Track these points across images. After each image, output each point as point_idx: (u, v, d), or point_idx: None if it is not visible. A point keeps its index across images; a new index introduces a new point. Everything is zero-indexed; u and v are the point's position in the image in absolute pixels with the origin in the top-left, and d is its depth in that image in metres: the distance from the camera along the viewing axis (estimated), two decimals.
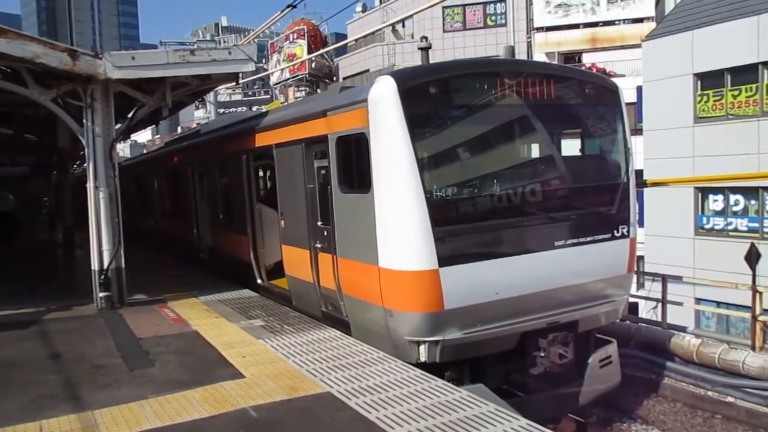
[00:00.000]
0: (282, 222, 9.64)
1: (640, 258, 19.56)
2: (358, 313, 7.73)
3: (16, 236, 20.99)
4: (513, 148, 8.14)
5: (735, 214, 19.19)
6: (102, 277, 9.50)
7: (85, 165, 10.19)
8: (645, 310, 14.37)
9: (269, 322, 8.49)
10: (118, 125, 10.08)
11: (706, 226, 19.76)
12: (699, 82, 19.67)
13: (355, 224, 7.54)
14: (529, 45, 33.39)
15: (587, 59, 30.84)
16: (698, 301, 16.23)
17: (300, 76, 42.42)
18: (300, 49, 42.02)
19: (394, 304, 6.92)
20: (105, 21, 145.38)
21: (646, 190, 19.49)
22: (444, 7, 35.22)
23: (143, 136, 60.46)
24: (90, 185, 9.52)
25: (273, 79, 46.53)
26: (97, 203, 9.48)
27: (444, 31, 36.04)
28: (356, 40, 35.33)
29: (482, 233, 7.06)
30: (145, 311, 9.43)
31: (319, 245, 8.45)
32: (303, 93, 41.69)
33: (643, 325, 10.78)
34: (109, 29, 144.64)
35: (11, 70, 9.18)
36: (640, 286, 16.33)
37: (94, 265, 9.57)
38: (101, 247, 9.52)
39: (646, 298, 12.64)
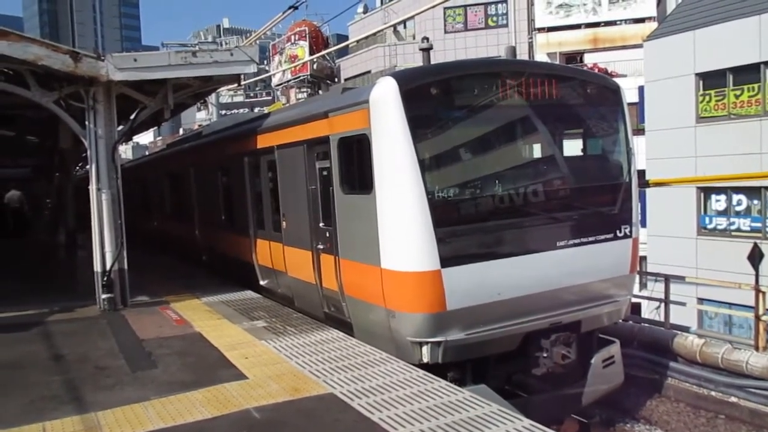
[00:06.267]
0: (284, 223, 9.64)
1: (643, 258, 19.54)
2: (361, 314, 7.72)
3: (24, 235, 21.17)
4: (515, 149, 8.13)
5: (737, 214, 19.15)
6: (105, 278, 9.51)
7: (88, 167, 10.21)
8: (648, 311, 14.38)
9: (272, 323, 8.49)
10: (121, 127, 10.09)
11: (709, 226, 19.73)
12: (701, 82, 19.65)
13: (357, 225, 7.53)
14: (531, 45, 33.41)
15: (589, 59, 30.84)
16: (701, 301, 16.21)
17: (302, 78, 42.46)
18: (301, 50, 42.06)
19: (397, 305, 6.91)
20: (107, 23, 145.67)
21: (648, 191, 19.47)
22: (445, 8, 35.24)
23: (145, 137, 60.51)
24: (92, 187, 9.52)
25: (275, 81, 46.54)
26: (99, 205, 9.48)
27: (445, 32, 36.05)
28: (358, 41, 35.35)
29: (484, 234, 7.05)
30: (148, 313, 9.43)
31: (321, 246, 8.45)
32: (305, 94, 41.70)
33: (646, 325, 10.76)
34: (111, 31, 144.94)
35: (13, 72, 9.20)
36: (643, 286, 16.31)
37: (97, 267, 9.57)
38: (104, 248, 9.52)
39: (649, 299, 12.62)
